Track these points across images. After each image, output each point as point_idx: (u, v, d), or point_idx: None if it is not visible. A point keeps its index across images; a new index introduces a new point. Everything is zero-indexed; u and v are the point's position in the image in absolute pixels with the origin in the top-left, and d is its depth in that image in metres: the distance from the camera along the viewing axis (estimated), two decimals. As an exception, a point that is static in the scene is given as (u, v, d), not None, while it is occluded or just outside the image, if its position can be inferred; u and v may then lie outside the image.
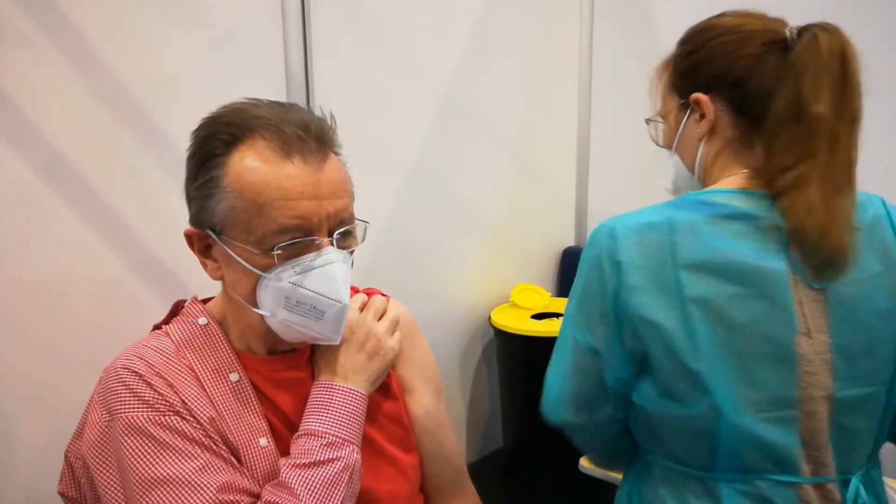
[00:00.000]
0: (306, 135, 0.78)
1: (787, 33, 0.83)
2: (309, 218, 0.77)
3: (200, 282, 0.89)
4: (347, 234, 0.83)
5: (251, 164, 0.77)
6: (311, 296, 0.78)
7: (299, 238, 0.77)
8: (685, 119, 0.92)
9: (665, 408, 0.83)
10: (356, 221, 0.84)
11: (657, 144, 1.01)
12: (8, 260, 1.18)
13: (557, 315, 2.00)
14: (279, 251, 0.77)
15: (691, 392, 0.81)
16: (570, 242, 2.34)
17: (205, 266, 0.84)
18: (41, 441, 1.22)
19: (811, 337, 0.80)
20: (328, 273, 0.79)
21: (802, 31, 0.82)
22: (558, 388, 0.90)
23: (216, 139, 0.78)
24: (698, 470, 0.84)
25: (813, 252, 0.79)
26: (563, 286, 2.31)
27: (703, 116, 0.89)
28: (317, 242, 0.78)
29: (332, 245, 0.79)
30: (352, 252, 0.85)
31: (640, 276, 0.81)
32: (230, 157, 0.77)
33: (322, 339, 0.83)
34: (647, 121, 1.01)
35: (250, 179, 0.76)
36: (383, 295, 0.98)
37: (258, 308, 0.80)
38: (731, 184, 0.86)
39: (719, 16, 0.89)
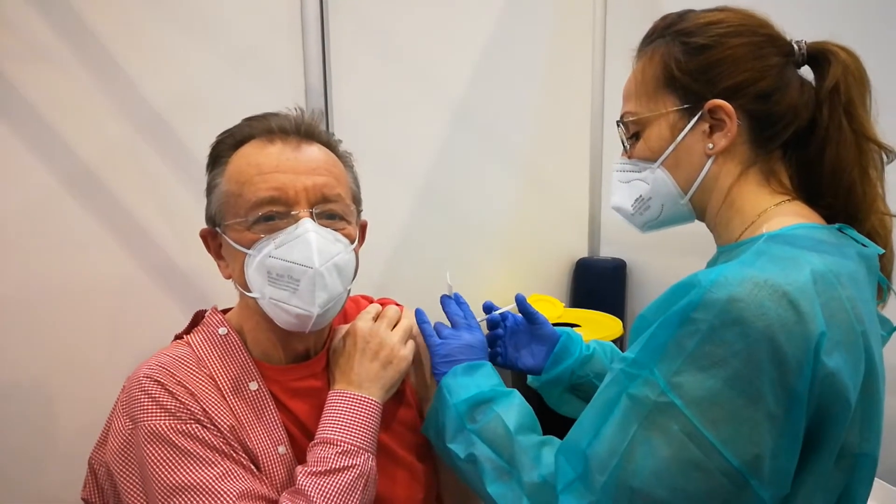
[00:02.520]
0: (290, 126, 0.84)
1: (796, 46, 0.77)
2: (284, 189, 0.81)
3: (219, 288, 0.91)
4: (334, 216, 0.85)
5: (241, 155, 0.84)
6: (286, 265, 0.80)
7: (277, 210, 0.81)
8: (688, 127, 0.77)
9: None
10: (352, 210, 0.87)
11: (625, 152, 0.85)
12: (34, 267, 1.20)
13: (571, 325, 2.00)
14: (257, 223, 0.81)
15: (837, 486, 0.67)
16: (584, 253, 2.34)
17: (220, 267, 0.88)
18: (64, 447, 1.24)
19: None
20: (303, 241, 0.80)
21: (818, 49, 0.76)
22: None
23: (223, 144, 0.86)
24: None
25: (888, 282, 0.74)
26: (576, 297, 2.31)
27: (716, 128, 0.76)
28: (293, 214, 0.81)
29: (312, 218, 0.82)
30: (349, 238, 0.85)
31: (840, 354, 0.62)
32: (231, 159, 0.85)
33: (304, 315, 0.81)
34: (620, 122, 0.84)
35: (236, 165, 0.83)
36: (397, 305, 0.99)
37: (251, 291, 0.83)
38: (796, 216, 0.73)
39: (720, 9, 0.78)
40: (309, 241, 0.80)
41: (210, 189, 0.87)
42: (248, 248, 0.81)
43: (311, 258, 0.80)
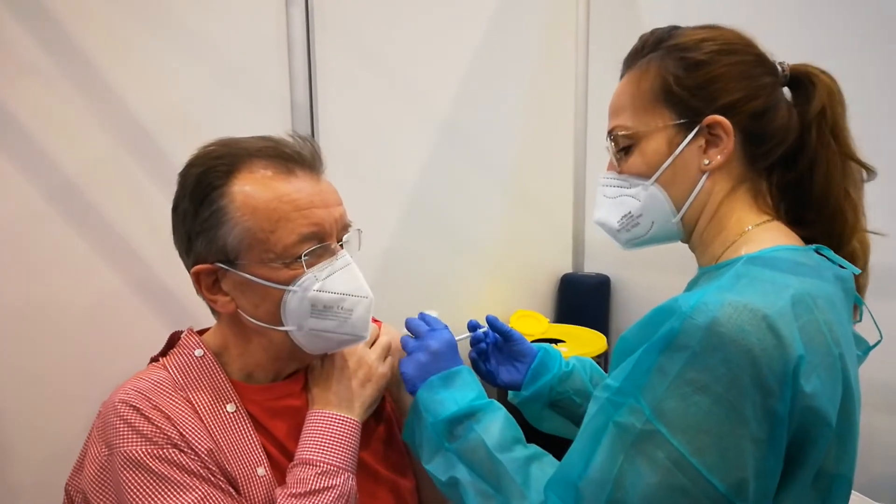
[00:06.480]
0: (303, 151, 0.82)
1: (780, 68, 0.77)
2: (322, 224, 0.81)
3: (199, 308, 0.89)
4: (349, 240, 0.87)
5: (258, 186, 0.79)
6: (338, 297, 0.81)
7: (318, 244, 0.80)
8: (684, 143, 0.76)
9: None
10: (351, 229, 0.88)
11: (615, 167, 0.83)
12: (15, 282, 1.19)
13: (555, 341, 2.01)
14: (306, 258, 0.79)
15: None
16: (568, 269, 2.35)
17: (214, 303, 0.83)
18: (38, 473, 1.22)
19: None
20: (350, 272, 0.83)
21: (801, 72, 0.77)
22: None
23: (213, 172, 0.79)
24: None
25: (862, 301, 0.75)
26: (561, 312, 2.31)
27: (712, 144, 0.75)
28: (332, 247, 0.82)
29: (343, 248, 0.84)
30: None
31: (818, 377, 0.62)
32: (231, 186, 0.78)
33: (351, 340, 0.84)
34: (611, 135, 0.83)
35: (262, 198, 0.78)
36: (375, 321, 0.99)
37: (283, 325, 0.82)
38: (775, 238, 0.74)
39: (710, 27, 0.78)
40: (355, 272, 0.83)
41: (211, 224, 0.79)
42: (288, 285, 0.80)
43: (363, 287, 0.83)
